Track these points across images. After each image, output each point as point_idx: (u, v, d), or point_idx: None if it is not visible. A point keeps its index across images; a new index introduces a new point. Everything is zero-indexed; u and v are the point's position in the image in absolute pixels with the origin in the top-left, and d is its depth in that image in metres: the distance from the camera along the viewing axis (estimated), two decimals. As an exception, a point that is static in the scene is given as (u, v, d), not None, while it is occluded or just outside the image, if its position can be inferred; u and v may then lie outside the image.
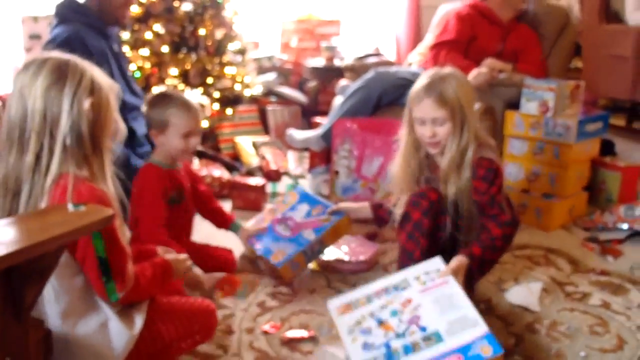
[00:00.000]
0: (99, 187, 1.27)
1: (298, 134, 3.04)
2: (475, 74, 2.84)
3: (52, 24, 2.38)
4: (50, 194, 1.23)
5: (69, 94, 1.24)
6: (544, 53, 3.09)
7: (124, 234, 1.35)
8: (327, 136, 2.86)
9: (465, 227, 1.77)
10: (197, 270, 1.84)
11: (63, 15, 2.34)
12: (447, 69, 1.77)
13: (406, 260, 1.74)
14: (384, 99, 2.89)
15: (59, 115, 1.24)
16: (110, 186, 1.32)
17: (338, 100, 3.15)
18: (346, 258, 2.09)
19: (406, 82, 2.99)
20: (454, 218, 1.76)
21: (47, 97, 1.23)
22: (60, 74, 1.25)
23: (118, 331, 1.31)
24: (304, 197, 2.16)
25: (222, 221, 2.12)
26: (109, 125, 1.33)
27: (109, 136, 1.34)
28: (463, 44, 3.04)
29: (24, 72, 1.26)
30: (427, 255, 1.69)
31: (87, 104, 1.25)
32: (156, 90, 2.01)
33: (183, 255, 1.56)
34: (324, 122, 3.15)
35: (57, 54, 1.29)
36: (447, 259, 1.63)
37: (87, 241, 1.21)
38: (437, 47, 3.10)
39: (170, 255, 1.54)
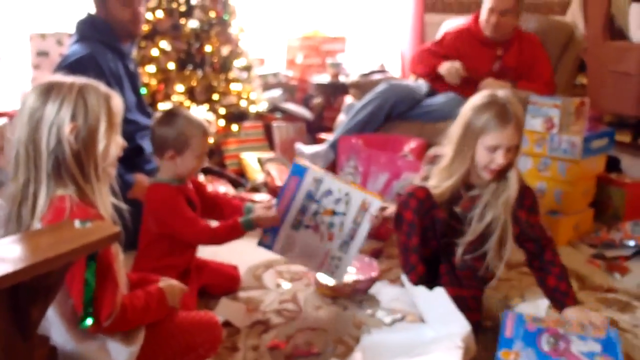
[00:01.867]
0: (93, 209, 1.26)
1: (307, 149, 3.06)
2: (448, 67, 2.94)
3: (71, 39, 2.37)
4: (45, 216, 1.23)
5: (47, 119, 1.23)
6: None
7: (119, 259, 1.32)
8: (336, 148, 2.88)
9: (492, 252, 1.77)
10: None
11: (82, 32, 2.34)
12: (502, 92, 1.73)
13: (405, 253, 1.79)
14: (398, 108, 2.93)
15: (39, 142, 1.23)
16: (107, 208, 1.30)
17: (342, 118, 3.16)
18: (360, 277, 2.04)
19: (418, 96, 3.03)
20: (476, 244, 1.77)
21: (30, 124, 1.24)
22: (44, 99, 1.24)
23: (117, 349, 1.31)
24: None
25: (233, 211, 2.05)
26: (96, 148, 1.29)
27: (100, 158, 1.30)
28: (441, 55, 3.08)
29: (24, 97, 1.27)
30: (416, 252, 1.76)
31: (67, 129, 1.24)
32: (164, 108, 2.00)
33: (177, 283, 1.51)
34: (329, 138, 3.17)
35: (52, 78, 1.29)
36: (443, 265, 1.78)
37: (78, 263, 1.17)
38: (419, 52, 3.23)
39: (165, 283, 1.48)
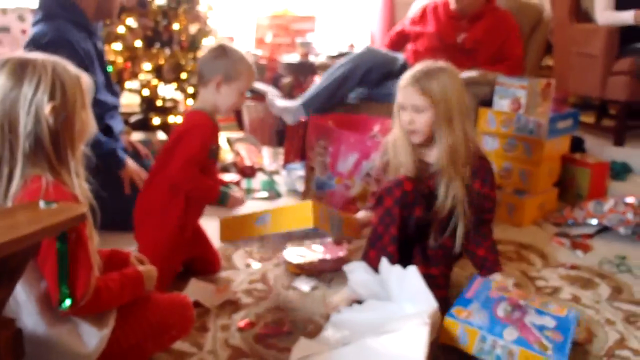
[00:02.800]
0: (68, 190, 1.24)
1: (279, 102, 3.05)
2: None
3: (35, 17, 2.25)
4: (17, 197, 1.20)
5: (25, 99, 1.19)
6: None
7: (93, 240, 1.30)
8: (308, 105, 2.87)
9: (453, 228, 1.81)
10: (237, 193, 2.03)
11: (48, 9, 2.20)
12: (441, 63, 1.80)
13: (375, 240, 1.80)
14: (372, 74, 2.95)
15: (16, 122, 1.19)
16: (82, 189, 1.28)
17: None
18: (327, 257, 2.07)
19: (394, 66, 3.05)
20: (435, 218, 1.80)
21: (4, 104, 1.19)
22: (18, 78, 1.20)
23: (89, 332, 1.29)
24: None
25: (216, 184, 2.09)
26: (74, 127, 1.27)
27: (77, 138, 1.28)
28: (406, 35, 3.26)
29: None
30: (395, 242, 1.77)
31: (47, 108, 1.21)
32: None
33: (153, 268, 1.50)
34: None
35: (20, 54, 1.24)
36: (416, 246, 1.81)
37: (49, 243, 1.15)
38: (394, 34, 3.37)
39: (144, 267, 1.47)
